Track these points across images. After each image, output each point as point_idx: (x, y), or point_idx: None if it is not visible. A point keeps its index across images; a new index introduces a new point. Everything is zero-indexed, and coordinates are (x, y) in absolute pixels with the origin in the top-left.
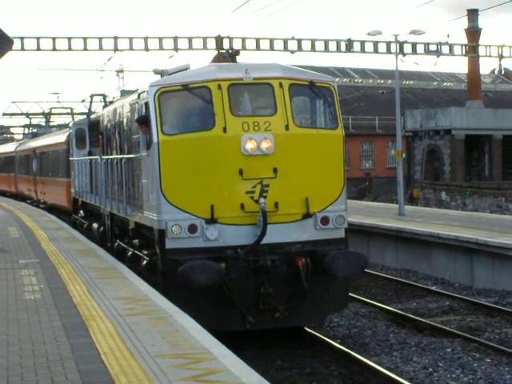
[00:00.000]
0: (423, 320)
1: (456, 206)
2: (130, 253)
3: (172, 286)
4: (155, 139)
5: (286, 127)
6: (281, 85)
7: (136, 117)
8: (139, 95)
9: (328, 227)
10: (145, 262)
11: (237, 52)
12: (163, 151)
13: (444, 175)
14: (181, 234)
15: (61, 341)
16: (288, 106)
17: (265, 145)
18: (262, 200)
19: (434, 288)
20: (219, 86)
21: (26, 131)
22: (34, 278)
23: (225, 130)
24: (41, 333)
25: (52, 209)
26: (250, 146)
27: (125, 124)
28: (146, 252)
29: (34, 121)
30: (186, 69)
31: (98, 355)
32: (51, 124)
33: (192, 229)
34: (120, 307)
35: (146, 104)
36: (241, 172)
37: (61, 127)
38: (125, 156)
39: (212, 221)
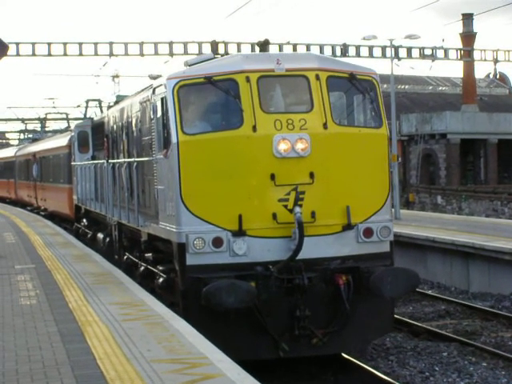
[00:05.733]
0: (419, 324)
1: (452, 210)
2: (141, 268)
3: (193, 308)
4: (174, 139)
5: (324, 126)
6: (317, 77)
7: (150, 115)
8: (154, 90)
9: (372, 240)
10: (160, 279)
11: (267, 41)
12: (183, 153)
13: (439, 179)
14: (204, 249)
15: (57, 346)
16: (326, 102)
17: (300, 146)
18: (297, 209)
19: (430, 292)
20: (247, 79)
21: (22, 136)
22: (30, 284)
23: (254, 128)
24: (37, 338)
25: (53, 216)
26: (283, 147)
27: (134, 125)
28: (161, 268)
29: (30, 126)
30: (210, 59)
31: (94, 360)
32: (47, 129)
33: (217, 242)
34: (116, 312)
35: (163, 99)
36: (273, 177)
37: (56, 132)
38: (136, 159)
39: (240, 233)
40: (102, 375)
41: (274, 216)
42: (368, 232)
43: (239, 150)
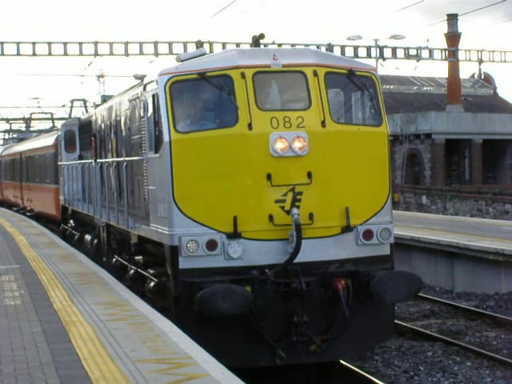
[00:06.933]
0: (404, 324)
1: (437, 210)
2: (131, 271)
3: (186, 314)
4: (166, 138)
5: (323, 123)
6: (315, 73)
7: (140, 113)
8: (145, 87)
9: (371, 242)
10: (152, 283)
11: (261, 35)
12: (176, 152)
13: (424, 179)
14: (197, 252)
15: (41, 347)
16: (324, 99)
17: (297, 144)
18: (294, 211)
19: None
20: (243, 75)
21: (7, 136)
22: (15, 284)
23: (250, 126)
24: (21, 339)
25: (39, 217)
26: (279, 145)
27: (123, 123)
28: (152, 272)
29: (15, 126)
30: (202, 54)
31: (79, 361)
32: (32, 129)
33: (211, 245)
34: (100, 312)
35: (155, 96)
36: (269, 177)
37: (41, 132)
38: (126, 159)
39: (235, 235)
40: (87, 375)
41: (271, 218)
42: (368, 234)
43: (234, 149)
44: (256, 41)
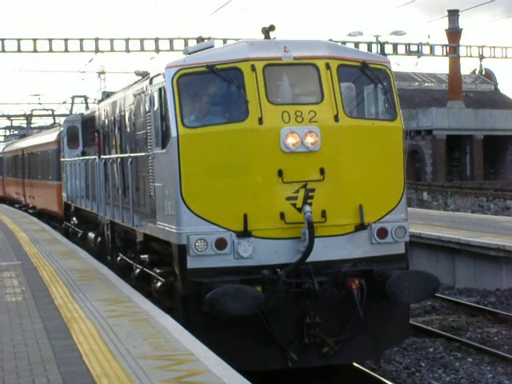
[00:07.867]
0: None
1: (438, 206)
2: (137, 270)
3: (195, 315)
4: (174, 133)
5: (336, 118)
6: (328, 66)
7: (146, 108)
8: (151, 80)
9: (386, 241)
10: (158, 283)
11: (272, 27)
12: (184, 148)
13: (425, 175)
14: (206, 251)
15: (42, 343)
16: (337, 92)
17: (310, 139)
18: (307, 208)
19: None
20: (253, 68)
21: (7, 133)
22: (16, 280)
23: (260, 121)
24: (22, 335)
25: (42, 214)
26: (291, 141)
27: (127, 119)
28: (159, 271)
29: (16, 122)
30: (211, 47)
31: (80, 357)
32: (33, 126)
33: (220, 244)
34: (102, 309)
35: (161, 90)
36: (280, 173)
37: (42, 128)
38: (131, 155)
39: (245, 234)
40: (88, 372)
41: (282, 215)
42: (382, 232)
43: (244, 145)
44: (266, 32)
